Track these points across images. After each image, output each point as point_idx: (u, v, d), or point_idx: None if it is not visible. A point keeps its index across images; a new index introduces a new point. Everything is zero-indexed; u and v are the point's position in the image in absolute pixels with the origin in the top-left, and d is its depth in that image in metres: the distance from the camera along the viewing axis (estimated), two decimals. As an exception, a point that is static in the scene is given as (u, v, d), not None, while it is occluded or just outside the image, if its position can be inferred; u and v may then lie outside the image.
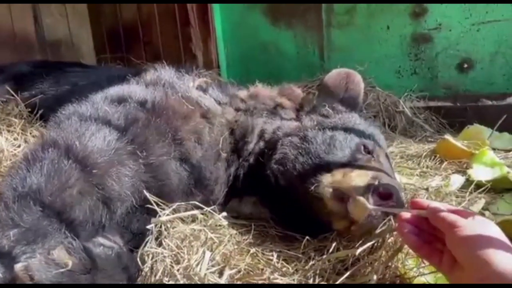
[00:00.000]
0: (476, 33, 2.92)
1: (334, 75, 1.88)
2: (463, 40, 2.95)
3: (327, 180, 1.44)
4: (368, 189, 1.33)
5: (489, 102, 2.75)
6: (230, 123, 1.73)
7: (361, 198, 1.30)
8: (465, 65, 2.98)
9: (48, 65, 2.67)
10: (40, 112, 2.20)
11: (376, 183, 1.33)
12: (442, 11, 2.96)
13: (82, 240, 1.22)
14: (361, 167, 1.45)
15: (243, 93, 1.90)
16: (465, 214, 1.03)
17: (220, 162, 1.64)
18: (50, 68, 2.51)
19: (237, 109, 1.78)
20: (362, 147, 1.55)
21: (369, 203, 1.29)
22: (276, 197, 1.60)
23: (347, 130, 1.62)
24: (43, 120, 2.08)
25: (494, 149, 2.17)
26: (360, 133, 1.63)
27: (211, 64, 3.37)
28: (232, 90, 1.93)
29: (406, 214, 1.13)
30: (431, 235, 1.09)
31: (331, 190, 1.42)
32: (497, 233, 0.97)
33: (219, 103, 1.77)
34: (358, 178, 1.39)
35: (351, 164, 1.48)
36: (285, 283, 1.25)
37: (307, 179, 1.48)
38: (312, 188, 1.44)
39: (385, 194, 1.30)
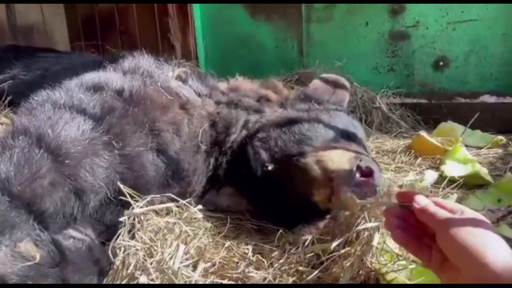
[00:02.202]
0: (452, 32, 2.97)
1: (323, 79, 1.94)
2: (439, 38, 3.00)
3: (311, 153, 1.48)
4: (351, 166, 1.36)
5: (463, 100, 2.81)
6: (211, 115, 1.70)
7: (349, 195, 1.32)
8: (441, 63, 3.03)
9: (18, 49, 2.57)
10: (9, 98, 2.11)
11: (358, 161, 1.37)
12: (420, 9, 3.00)
13: (51, 232, 1.19)
14: (343, 148, 1.49)
15: (223, 86, 1.88)
16: (452, 209, 0.98)
17: (199, 155, 1.62)
18: (20, 53, 2.42)
19: (218, 102, 1.76)
20: (345, 133, 1.60)
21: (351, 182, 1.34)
22: (255, 181, 1.59)
23: (334, 118, 1.68)
24: (12, 107, 2.00)
25: (466, 146, 2.22)
26: (343, 122, 1.68)
27: (189, 55, 3.32)
28: (212, 82, 1.90)
29: (393, 208, 1.08)
30: (418, 229, 1.03)
31: (315, 159, 1.45)
32: (489, 228, 0.92)
33: (199, 95, 1.75)
34: (341, 155, 1.43)
35: (333, 145, 1.52)
36: (260, 276, 1.25)
37: (291, 152, 1.51)
38: (296, 158, 1.48)
39: (367, 172, 1.35)
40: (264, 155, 1.57)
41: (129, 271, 1.21)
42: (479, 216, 0.95)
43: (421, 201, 1.01)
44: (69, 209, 1.26)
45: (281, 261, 1.33)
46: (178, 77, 1.75)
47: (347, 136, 1.61)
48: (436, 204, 1.00)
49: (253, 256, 1.38)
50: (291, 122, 1.63)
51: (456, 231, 0.90)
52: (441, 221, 0.94)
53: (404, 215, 1.06)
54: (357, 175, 1.36)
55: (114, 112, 1.42)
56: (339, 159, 1.42)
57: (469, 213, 0.95)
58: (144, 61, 1.72)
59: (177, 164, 1.55)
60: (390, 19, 3.07)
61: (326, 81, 1.92)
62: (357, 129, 1.72)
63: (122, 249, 1.28)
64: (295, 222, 1.51)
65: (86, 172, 1.28)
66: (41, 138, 1.26)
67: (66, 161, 1.25)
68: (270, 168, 1.54)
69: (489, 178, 1.86)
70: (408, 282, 1.17)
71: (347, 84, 1.94)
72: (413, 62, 3.09)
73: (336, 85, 1.91)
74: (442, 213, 0.96)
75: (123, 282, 1.19)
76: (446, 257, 0.93)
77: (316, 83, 1.92)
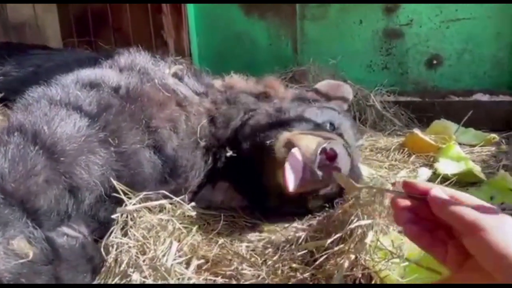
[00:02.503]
0: (446, 30, 2.98)
1: (325, 84, 2.00)
2: (433, 36, 3.01)
3: (284, 136, 1.50)
4: (316, 147, 1.36)
5: (456, 98, 2.82)
6: (210, 111, 1.70)
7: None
8: (434, 62, 3.04)
9: (10, 46, 2.55)
10: (1, 95, 2.09)
11: (325, 144, 1.37)
12: (414, 7, 3.00)
13: (45, 229, 1.18)
14: (317, 134, 1.50)
15: (218, 83, 1.89)
16: (482, 208, 0.84)
17: (198, 150, 1.62)
18: (12, 50, 2.40)
19: (215, 98, 1.77)
20: (328, 124, 1.62)
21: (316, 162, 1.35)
22: (244, 171, 1.60)
23: (323, 111, 1.72)
24: (4, 103, 1.99)
25: (460, 143, 2.23)
26: (330, 117, 1.70)
27: (182, 53, 3.30)
28: (208, 79, 1.91)
29: (403, 201, 0.95)
30: (430, 221, 0.91)
31: (284, 142, 1.47)
32: None
33: (196, 92, 1.75)
34: (311, 138, 1.44)
35: (310, 131, 1.54)
36: (253, 274, 1.25)
37: (269, 139, 1.52)
38: (268, 142, 1.50)
39: (331, 155, 1.35)
40: (245, 144, 1.60)
41: (121, 268, 1.21)
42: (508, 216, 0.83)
43: (439, 195, 0.88)
44: (63, 206, 1.25)
45: (274, 258, 1.33)
46: (175, 74, 1.75)
47: (332, 127, 1.63)
48: (452, 197, 0.89)
49: (246, 253, 1.38)
50: (281, 110, 1.67)
51: (492, 236, 0.78)
52: (471, 224, 0.81)
53: (414, 207, 0.94)
54: (322, 156, 1.36)
55: (111, 109, 1.42)
56: (306, 141, 1.42)
57: (501, 216, 0.82)
58: (140, 58, 1.72)
59: (175, 161, 1.55)
60: (384, 17, 3.07)
61: (321, 94, 1.95)
62: (345, 119, 1.73)
63: (115, 246, 1.27)
64: (278, 212, 1.53)
65: (82, 169, 1.27)
66: (36, 135, 1.25)
67: (62, 159, 1.24)
68: (228, 154, 1.58)
69: (482, 175, 1.87)
70: (402, 280, 1.17)
71: (347, 94, 1.99)
72: (407, 60, 3.10)
73: (331, 97, 1.96)
74: (470, 214, 0.82)
75: (115, 280, 1.19)
76: (467, 256, 0.83)
77: (310, 94, 1.95)
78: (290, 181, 1.35)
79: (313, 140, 1.42)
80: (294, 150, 1.38)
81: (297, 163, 1.37)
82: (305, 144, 1.40)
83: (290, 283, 1.22)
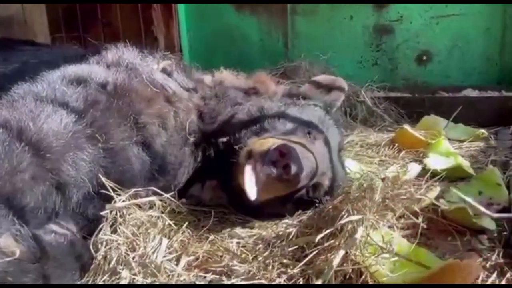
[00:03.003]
0: (435, 26, 2.99)
1: (323, 77, 2.00)
2: (423, 32, 3.02)
3: (251, 143, 1.51)
4: (269, 147, 1.38)
5: (446, 94, 2.83)
6: (199, 106, 1.70)
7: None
8: (424, 58, 3.05)
9: (-4, 42, 2.50)
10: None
11: (278, 143, 1.39)
12: (404, 4, 3.01)
13: (32, 227, 1.17)
14: (287, 139, 1.49)
15: (208, 78, 1.87)
16: None
17: (187, 147, 1.62)
18: (-2, 45, 2.36)
19: (204, 94, 1.76)
20: (305, 129, 1.61)
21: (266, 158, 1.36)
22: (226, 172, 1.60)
23: (303, 113, 1.71)
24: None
25: (449, 139, 2.24)
26: (310, 117, 1.69)
27: (173, 48, 3.27)
28: (197, 74, 1.89)
29: None
30: None
31: (246, 151, 1.47)
32: None
33: (185, 88, 1.73)
34: (271, 141, 1.45)
35: (282, 135, 1.54)
36: (244, 269, 1.25)
37: (238, 142, 1.54)
38: (237, 147, 1.52)
39: (284, 152, 1.36)
40: (221, 145, 1.60)
41: (111, 265, 1.20)
42: None
43: None
44: (50, 203, 1.24)
45: (265, 254, 1.33)
46: (163, 70, 1.73)
47: (307, 131, 1.62)
48: None
49: (237, 249, 1.38)
50: (262, 110, 1.66)
51: None
52: None
53: None
54: (274, 152, 1.36)
55: (98, 105, 1.40)
56: (265, 144, 1.43)
57: None
58: (128, 53, 1.70)
59: (163, 158, 1.54)
60: (375, 13, 3.07)
61: (320, 84, 1.94)
62: (324, 124, 1.72)
63: (104, 243, 1.26)
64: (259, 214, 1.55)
65: (69, 166, 1.26)
66: (22, 132, 1.24)
67: (48, 155, 1.23)
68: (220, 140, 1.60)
69: (471, 171, 1.88)
70: (391, 275, 1.18)
71: (344, 85, 1.97)
72: (397, 56, 3.11)
73: (332, 87, 1.94)
74: None
75: (105, 277, 1.18)
76: None
77: (308, 86, 1.94)
78: (251, 190, 1.35)
79: (270, 141, 1.44)
80: (249, 162, 1.40)
81: (253, 170, 1.38)
82: (260, 148, 1.42)
83: (280, 278, 1.22)
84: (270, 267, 1.26)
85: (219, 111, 1.69)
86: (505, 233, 1.42)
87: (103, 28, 3.35)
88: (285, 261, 1.29)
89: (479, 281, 1.20)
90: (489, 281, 1.20)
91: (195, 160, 1.64)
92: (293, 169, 1.34)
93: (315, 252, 1.25)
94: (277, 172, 1.35)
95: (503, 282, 1.20)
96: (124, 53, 1.68)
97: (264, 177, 1.36)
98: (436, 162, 1.96)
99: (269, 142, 1.45)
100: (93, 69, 1.56)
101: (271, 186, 1.38)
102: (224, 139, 1.61)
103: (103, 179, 1.34)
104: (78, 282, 1.21)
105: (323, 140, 1.64)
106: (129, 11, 3.29)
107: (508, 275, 1.22)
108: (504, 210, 1.56)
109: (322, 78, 2.03)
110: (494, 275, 1.22)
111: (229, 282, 1.20)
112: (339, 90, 1.96)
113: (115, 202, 1.36)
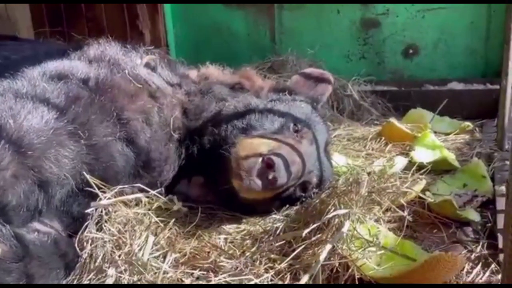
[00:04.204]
0: (421, 20, 2.99)
1: (304, 74, 1.99)
2: (409, 26, 3.03)
3: (239, 142, 1.52)
4: (256, 155, 1.41)
5: (431, 87, 2.85)
6: (183, 102, 1.68)
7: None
8: (411, 51, 3.06)
9: (-22, 37, 2.45)
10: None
11: (267, 152, 1.42)
12: (390, -2, 3.01)
13: (14, 226, 1.16)
14: (275, 139, 1.52)
15: (193, 74, 1.85)
16: None
17: (171, 143, 1.60)
18: (-20, 41, 2.31)
19: (189, 90, 1.74)
20: (292, 126, 1.61)
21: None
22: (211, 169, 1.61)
23: (290, 110, 1.70)
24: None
25: (435, 132, 2.26)
26: (298, 114, 1.69)
27: (159, 43, 3.23)
28: (182, 69, 1.87)
29: None
30: None
31: (238, 148, 1.49)
32: None
33: (169, 83, 1.71)
34: (262, 145, 1.47)
35: (269, 134, 1.55)
36: (231, 265, 1.24)
37: (226, 141, 1.54)
38: (225, 147, 1.52)
39: (269, 163, 1.38)
40: (207, 142, 1.60)
41: (97, 263, 1.19)
42: None
43: None
44: (33, 201, 1.23)
45: (253, 249, 1.32)
46: (147, 65, 1.71)
47: (295, 129, 1.62)
48: None
49: (225, 245, 1.38)
50: (248, 107, 1.65)
51: None
52: None
53: None
54: (261, 166, 1.39)
55: (80, 101, 1.38)
56: (252, 148, 1.46)
57: None
58: (110, 48, 1.67)
59: (148, 154, 1.52)
60: (362, 6, 3.07)
61: (308, 76, 1.93)
62: (311, 120, 1.72)
63: (90, 241, 1.25)
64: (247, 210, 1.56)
65: (51, 163, 1.25)
66: (2, 129, 1.22)
67: (29, 152, 1.21)
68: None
69: (456, 163, 1.90)
70: (378, 268, 1.19)
71: (331, 78, 1.97)
72: (384, 50, 3.11)
73: (319, 79, 1.93)
74: None
75: (91, 275, 1.17)
76: None
77: (296, 78, 1.94)
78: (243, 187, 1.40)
79: (258, 147, 1.46)
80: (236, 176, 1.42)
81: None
82: (247, 155, 1.44)
83: (268, 274, 1.22)
84: (257, 263, 1.26)
85: (203, 108, 1.67)
86: (489, 224, 1.44)
87: (88, 23, 3.30)
88: (272, 256, 1.29)
89: (463, 272, 1.22)
90: (474, 272, 1.22)
91: (179, 157, 1.62)
92: (279, 181, 1.38)
93: (302, 247, 1.25)
94: (263, 184, 1.39)
95: (487, 273, 1.22)
96: (107, 48, 1.65)
97: (251, 188, 1.40)
98: (422, 155, 1.98)
99: (256, 147, 1.47)
100: (74, 65, 1.53)
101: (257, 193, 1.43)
102: (210, 137, 1.60)
103: (88, 176, 1.33)
104: (63, 281, 1.20)
105: (311, 138, 1.64)
106: (113, 6, 3.24)
107: (492, 266, 1.24)
108: (488, 201, 1.58)
109: (310, 70, 2.03)
110: (479, 266, 1.24)
111: (217, 279, 1.19)
112: (326, 83, 1.96)
113: (100, 199, 1.34)
